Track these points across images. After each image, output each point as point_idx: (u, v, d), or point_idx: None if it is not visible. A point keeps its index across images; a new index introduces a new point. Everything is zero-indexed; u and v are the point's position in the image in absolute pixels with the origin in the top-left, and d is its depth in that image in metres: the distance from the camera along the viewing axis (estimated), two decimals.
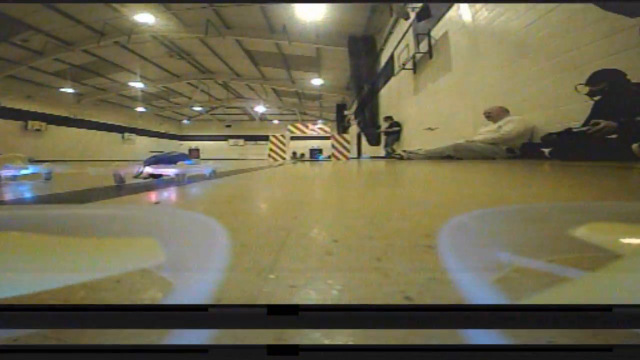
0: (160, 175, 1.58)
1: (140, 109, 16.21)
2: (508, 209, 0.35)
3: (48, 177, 1.81)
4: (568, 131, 2.63)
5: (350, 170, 2.90)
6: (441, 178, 1.69)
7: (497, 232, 0.29)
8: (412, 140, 6.64)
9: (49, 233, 0.28)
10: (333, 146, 8.98)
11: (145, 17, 8.36)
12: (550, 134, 2.88)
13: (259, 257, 0.39)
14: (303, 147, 15.08)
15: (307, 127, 9.79)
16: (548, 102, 3.15)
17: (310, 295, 0.29)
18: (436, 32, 5.51)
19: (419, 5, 5.76)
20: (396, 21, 7.31)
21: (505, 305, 0.19)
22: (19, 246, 0.26)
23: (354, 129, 12.14)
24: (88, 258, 0.25)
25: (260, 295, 0.29)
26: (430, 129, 5.51)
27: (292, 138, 9.74)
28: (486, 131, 3.72)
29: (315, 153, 14.82)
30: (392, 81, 7.91)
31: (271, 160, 8.67)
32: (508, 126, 3.48)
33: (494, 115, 3.71)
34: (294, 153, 11.71)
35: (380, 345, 0.21)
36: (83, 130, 14.27)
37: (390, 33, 7.86)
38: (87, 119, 14.31)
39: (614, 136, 2.27)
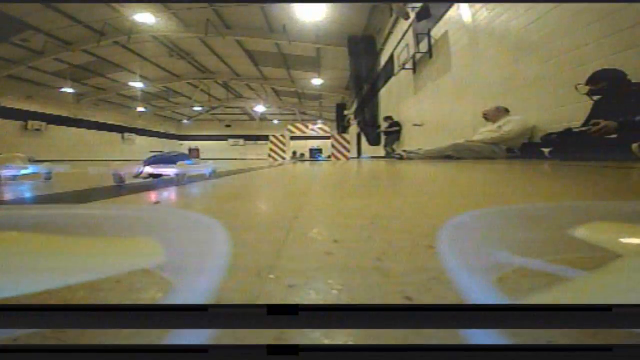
0: (160, 175, 1.58)
1: (140, 109, 16.21)
2: (508, 209, 0.34)
3: (48, 177, 1.81)
4: (568, 131, 2.63)
5: (350, 171, 2.90)
6: (441, 178, 1.69)
7: (497, 232, 0.29)
8: (412, 140, 6.63)
9: (49, 233, 0.28)
10: (333, 146, 8.98)
11: (145, 17, 8.36)
12: (550, 134, 2.88)
13: (259, 257, 0.39)
14: (303, 147, 15.07)
15: (307, 127, 9.80)
16: (548, 102, 3.15)
17: (310, 295, 0.29)
18: (436, 32, 5.51)
19: (419, 5, 5.76)
20: (396, 21, 7.30)
21: (505, 305, 0.19)
22: (19, 246, 0.26)
23: (354, 129, 12.13)
24: (88, 258, 0.25)
25: (260, 295, 0.29)
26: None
27: (292, 138, 9.75)
28: (486, 131, 3.72)
29: (315, 153, 14.79)
30: (392, 81, 7.91)
31: (271, 160, 8.67)
32: (508, 126, 3.48)
33: (492, 116, 3.72)
34: (294, 153, 11.71)
35: (380, 345, 0.21)
36: (83, 130, 14.27)
37: (390, 33, 7.86)
38: (87, 119, 14.31)
39: (614, 136, 2.27)
